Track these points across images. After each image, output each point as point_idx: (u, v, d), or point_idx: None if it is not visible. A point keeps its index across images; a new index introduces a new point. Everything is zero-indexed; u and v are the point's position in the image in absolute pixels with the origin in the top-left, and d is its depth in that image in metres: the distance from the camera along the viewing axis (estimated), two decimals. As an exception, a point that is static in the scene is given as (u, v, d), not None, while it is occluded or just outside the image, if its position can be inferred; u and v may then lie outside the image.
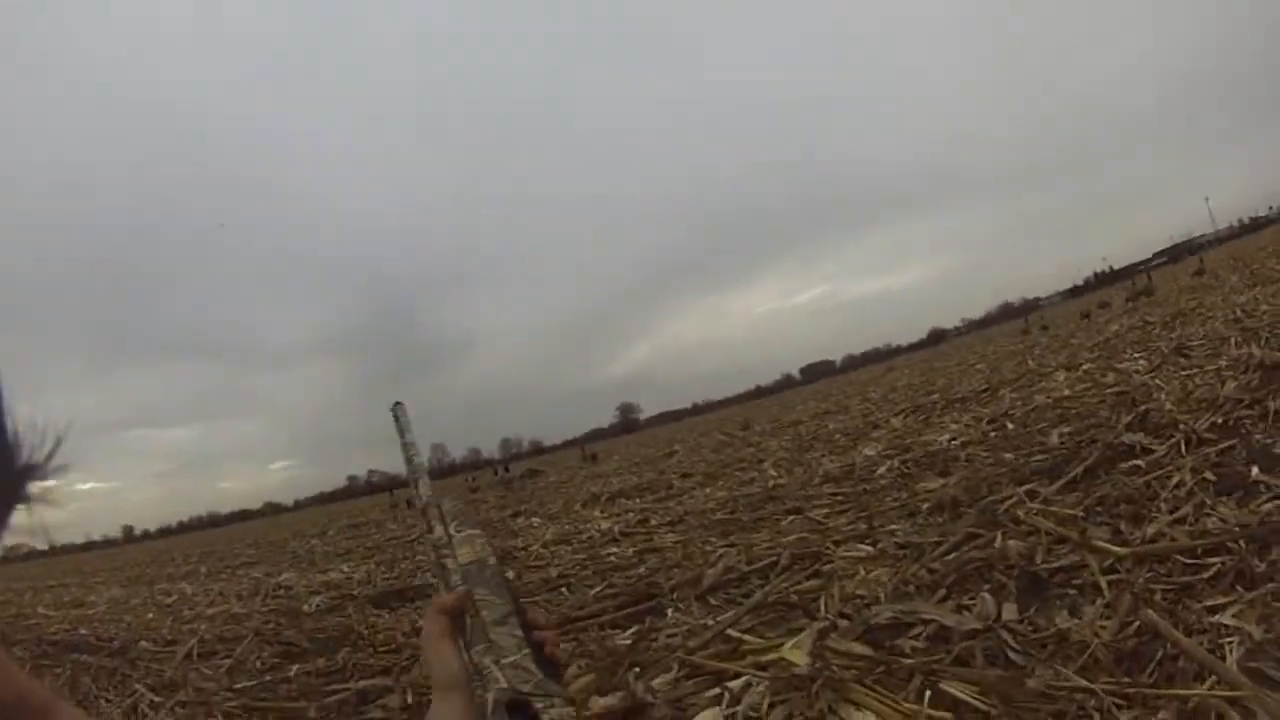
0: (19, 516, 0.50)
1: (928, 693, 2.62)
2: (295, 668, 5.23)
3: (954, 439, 7.73)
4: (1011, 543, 3.84)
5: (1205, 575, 2.89)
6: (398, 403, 0.98)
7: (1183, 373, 7.04)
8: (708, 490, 9.74)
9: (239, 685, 5.12)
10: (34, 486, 0.49)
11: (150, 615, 9.59)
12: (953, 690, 2.61)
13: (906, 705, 2.53)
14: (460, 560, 0.85)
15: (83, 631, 8.74)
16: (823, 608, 3.92)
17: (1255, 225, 73.01)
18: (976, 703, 2.49)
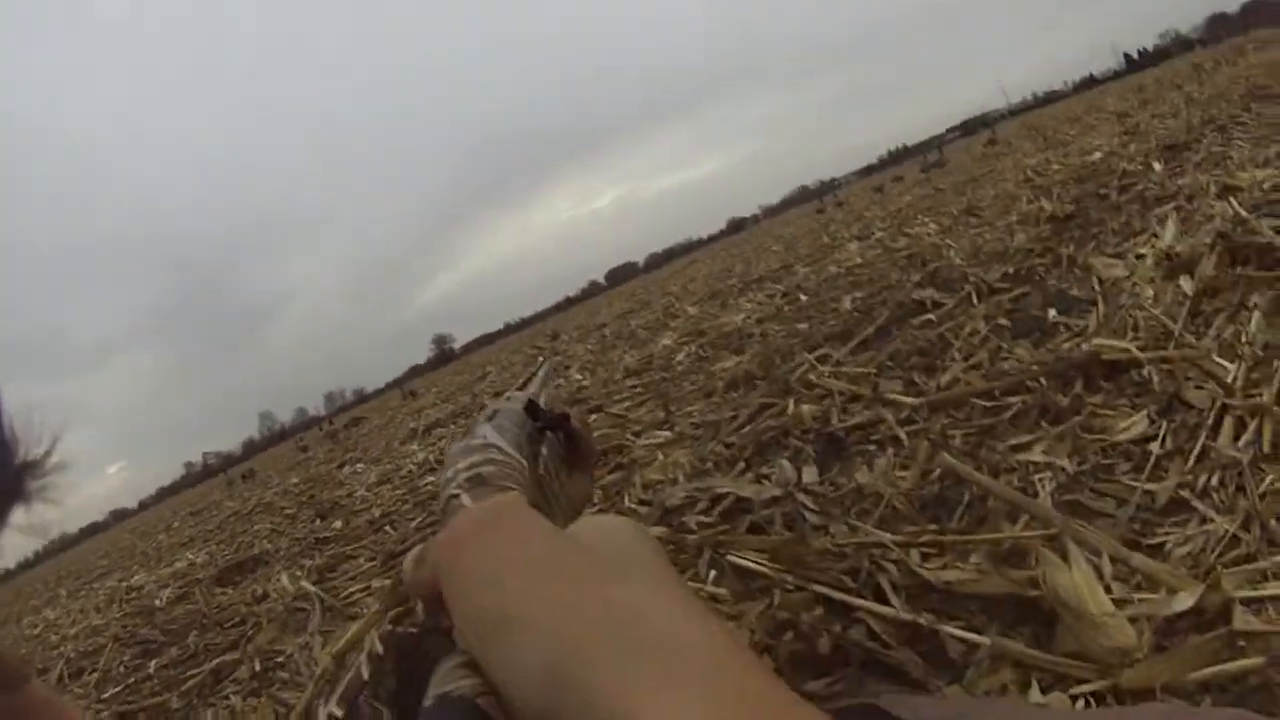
0: (17, 515, 0.47)
1: (713, 572, 2.29)
2: (154, 663, 4.61)
3: (749, 317, 7.56)
4: (805, 407, 3.56)
5: (1006, 416, 2.66)
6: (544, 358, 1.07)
7: (972, 231, 7.12)
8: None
9: (105, 695, 4.49)
10: (32, 484, 0.46)
11: (22, 651, 8.41)
12: (740, 560, 2.28)
13: (702, 587, 2.18)
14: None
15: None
16: (625, 499, 3.56)
17: (1049, 99, 72.43)
18: (765, 569, 2.17)
